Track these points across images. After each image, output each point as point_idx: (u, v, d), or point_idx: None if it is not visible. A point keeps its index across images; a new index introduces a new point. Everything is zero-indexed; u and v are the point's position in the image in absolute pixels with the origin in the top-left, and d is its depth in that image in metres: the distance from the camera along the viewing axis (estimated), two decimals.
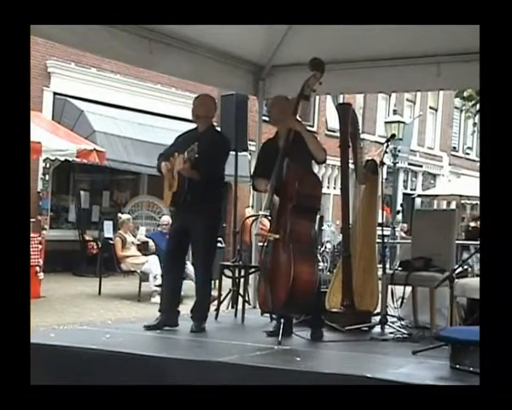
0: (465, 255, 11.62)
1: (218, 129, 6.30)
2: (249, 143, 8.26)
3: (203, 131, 5.74)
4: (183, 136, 5.90)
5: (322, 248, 15.65)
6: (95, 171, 15.14)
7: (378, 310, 6.06)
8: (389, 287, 5.95)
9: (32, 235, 9.56)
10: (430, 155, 27.34)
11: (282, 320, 5.16)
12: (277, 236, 5.22)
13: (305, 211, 5.26)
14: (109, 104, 14.84)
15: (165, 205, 6.03)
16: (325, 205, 19.91)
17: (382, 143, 10.44)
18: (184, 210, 5.65)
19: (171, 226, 6.21)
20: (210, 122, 5.83)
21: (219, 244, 13.58)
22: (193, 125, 5.96)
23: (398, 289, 5.99)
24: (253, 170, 5.88)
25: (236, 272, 6.76)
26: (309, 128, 5.84)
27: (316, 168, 5.61)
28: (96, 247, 14.26)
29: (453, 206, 23.20)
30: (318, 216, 5.65)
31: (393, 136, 9.16)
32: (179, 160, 5.49)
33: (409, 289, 6.04)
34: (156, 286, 10.79)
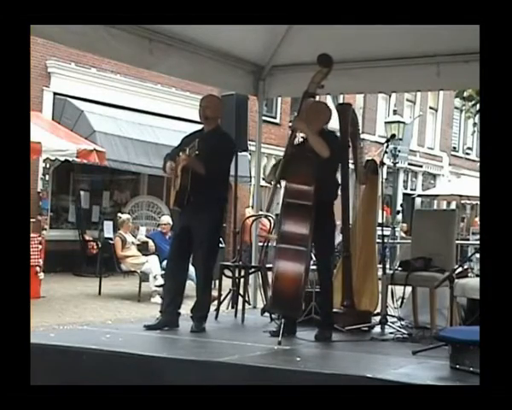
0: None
1: (224, 130, 6.24)
2: (249, 143, 8.25)
3: (208, 132, 5.74)
4: (189, 136, 5.90)
5: None
6: (95, 171, 15.13)
7: (378, 310, 6.06)
8: (389, 287, 5.95)
9: (32, 235, 9.56)
10: (430, 155, 27.33)
11: (283, 320, 5.16)
12: (275, 236, 5.25)
13: (295, 207, 5.23)
14: (109, 104, 14.83)
15: (171, 206, 6.01)
16: None
17: (382, 143, 10.46)
18: (187, 210, 5.64)
19: (175, 227, 6.18)
20: (216, 123, 5.83)
21: (219, 244, 13.62)
22: (196, 125, 5.94)
23: (398, 290, 5.99)
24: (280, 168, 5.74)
25: (236, 272, 6.76)
26: None
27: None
28: (95, 247, 14.25)
29: (453, 206, 23.19)
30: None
31: (393, 136, 9.16)
32: (181, 157, 5.49)
33: (409, 289, 6.04)
34: (156, 286, 10.79)
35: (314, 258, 5.67)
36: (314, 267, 5.70)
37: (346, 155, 6.19)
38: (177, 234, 5.97)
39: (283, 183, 5.47)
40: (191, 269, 6.00)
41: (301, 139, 5.62)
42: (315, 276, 5.75)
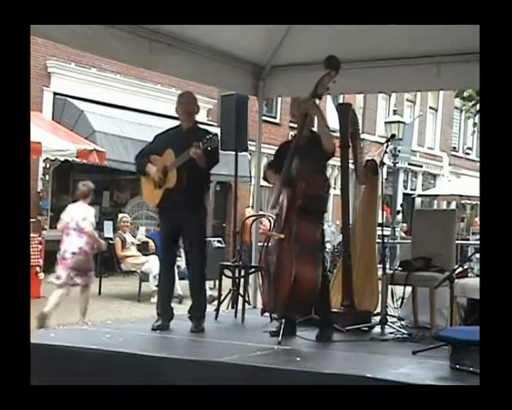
0: None
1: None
2: (249, 143, 8.26)
3: (190, 129, 5.69)
4: (163, 134, 5.86)
5: None
6: (95, 171, 15.11)
7: (378, 310, 6.06)
8: (389, 287, 5.95)
9: (32, 235, 9.55)
10: (430, 155, 27.36)
11: (283, 320, 5.15)
12: (282, 235, 5.20)
13: (311, 212, 5.24)
14: (109, 104, 14.84)
15: (151, 203, 5.99)
16: None
17: (382, 143, 10.46)
18: (177, 209, 5.54)
19: (162, 227, 5.99)
20: (194, 119, 5.81)
21: (219, 244, 13.63)
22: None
23: (398, 289, 5.99)
24: (268, 162, 5.91)
25: (236, 272, 6.76)
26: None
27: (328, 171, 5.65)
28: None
29: (453, 206, 23.22)
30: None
31: (393, 136, 9.14)
32: (192, 151, 5.38)
33: (409, 289, 6.05)
34: (156, 286, 10.78)
35: None
36: None
37: (346, 154, 6.20)
38: (166, 234, 5.80)
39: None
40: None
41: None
42: None
